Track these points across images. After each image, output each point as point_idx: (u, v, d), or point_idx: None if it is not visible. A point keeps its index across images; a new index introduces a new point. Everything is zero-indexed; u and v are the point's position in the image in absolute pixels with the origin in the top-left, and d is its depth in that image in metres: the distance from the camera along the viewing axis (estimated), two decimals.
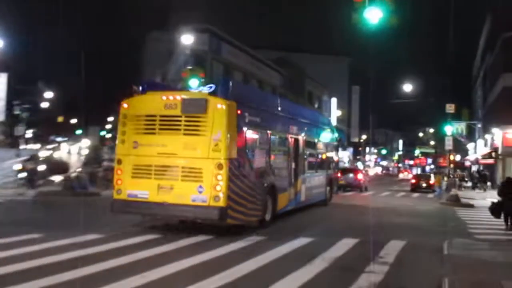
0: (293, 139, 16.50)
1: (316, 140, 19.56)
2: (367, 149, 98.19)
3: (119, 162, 12.66)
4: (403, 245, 11.13)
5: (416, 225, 15.57)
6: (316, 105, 67.80)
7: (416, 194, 34.44)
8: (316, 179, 19.18)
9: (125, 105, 12.82)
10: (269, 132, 14.50)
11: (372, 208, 19.92)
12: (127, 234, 11.41)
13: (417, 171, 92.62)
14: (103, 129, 79.26)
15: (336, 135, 23.20)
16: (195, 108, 12.06)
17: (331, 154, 21.93)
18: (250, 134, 13.19)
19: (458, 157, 67.74)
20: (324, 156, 20.57)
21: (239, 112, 12.37)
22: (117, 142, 12.92)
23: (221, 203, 11.63)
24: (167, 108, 12.31)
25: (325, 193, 20.50)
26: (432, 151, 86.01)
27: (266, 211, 13.82)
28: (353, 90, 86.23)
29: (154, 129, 12.42)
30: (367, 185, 36.58)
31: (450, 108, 29.77)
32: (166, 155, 12.20)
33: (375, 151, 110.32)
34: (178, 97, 12.34)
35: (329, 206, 20.12)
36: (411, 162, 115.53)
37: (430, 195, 33.50)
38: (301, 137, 17.33)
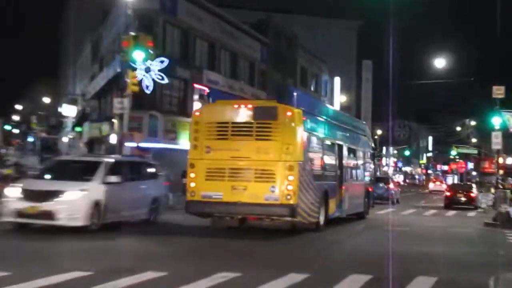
0: (338, 146, 22.57)
1: (356, 147, 25.53)
2: (384, 149, 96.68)
3: (192, 166, 18.07)
4: (433, 283, 11.20)
5: (451, 255, 15.80)
6: (312, 87, 67.66)
7: (451, 212, 35.05)
8: (356, 189, 24.95)
9: (197, 113, 18.64)
10: (322, 138, 20.71)
11: (391, 231, 20.42)
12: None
13: (453, 179, 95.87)
14: (8, 121, 77.77)
15: (372, 143, 29.55)
16: (266, 115, 17.71)
17: (369, 162, 28.20)
18: (311, 140, 19.31)
19: (510, 160, 67.82)
20: (363, 165, 26.65)
21: (304, 118, 18.11)
22: (189, 147, 18.44)
23: (292, 201, 17.22)
24: (239, 115, 17.95)
25: (363, 204, 26.29)
26: (474, 151, 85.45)
27: (320, 214, 19.44)
28: (363, 66, 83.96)
29: (226, 135, 17.98)
30: (399, 197, 43.31)
31: (498, 91, 29.77)
32: (239, 158, 17.72)
33: (395, 152, 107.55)
34: (250, 106, 18.12)
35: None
36: (445, 168, 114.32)
37: (471, 213, 33.99)
38: (345, 144, 23.39)
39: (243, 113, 18.05)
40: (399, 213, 31.92)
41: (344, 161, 23.29)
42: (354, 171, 25.19)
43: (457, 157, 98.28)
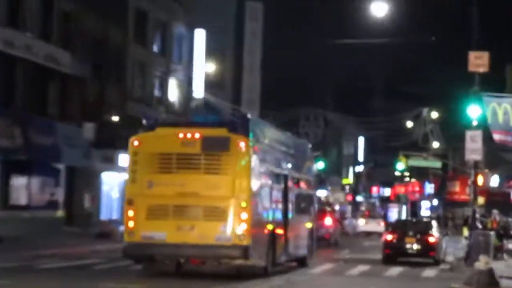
0: (284, 176, 21.06)
1: (300, 175, 23.40)
2: None
3: (131, 202, 17.34)
4: None
5: None
6: (155, 45, 45.76)
7: (394, 270, 23.11)
8: (300, 227, 22.84)
9: (135, 142, 17.67)
10: (271, 169, 19.84)
11: None
12: None
13: (399, 213, 64.11)
14: None
15: (314, 166, 28.26)
16: (217, 147, 17.28)
17: (312, 192, 25.78)
18: (262, 173, 18.65)
19: (495, 180, 52.81)
20: (307, 196, 24.14)
21: (257, 150, 17.96)
22: (127, 181, 18.19)
23: (246, 241, 16.90)
24: (185, 145, 17.36)
25: (306, 245, 23.11)
26: (437, 165, 59.78)
27: (268, 258, 18.52)
28: (247, 11, 56.20)
29: (171, 167, 17.44)
30: (338, 237, 36.86)
31: (478, 61, 21.25)
32: (185, 194, 17.19)
33: None
34: (197, 135, 17.27)
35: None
36: (386, 192, 78.65)
37: (429, 272, 23.05)
38: (290, 173, 21.73)
39: (190, 143, 17.32)
40: (307, 272, 21.82)
41: (290, 194, 21.48)
42: (299, 205, 22.93)
43: (406, 173, 70.53)
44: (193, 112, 45.68)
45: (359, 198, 77.28)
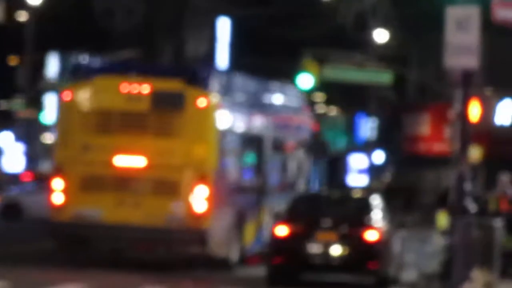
0: (262, 140, 19.30)
1: (287, 137, 21.25)
2: None
3: (60, 170, 16.00)
4: None
5: None
6: None
7: None
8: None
9: (67, 95, 16.13)
10: (243, 131, 18.26)
11: None
12: None
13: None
14: None
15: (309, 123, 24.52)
16: (170, 104, 15.74)
17: (304, 159, 22.73)
18: (228, 136, 17.18)
19: (504, 112, 36.66)
20: (298, 167, 22.03)
21: (220, 106, 16.36)
22: (55, 143, 17.36)
23: (205, 224, 15.52)
24: (130, 101, 15.90)
25: None
26: (384, 78, 41.09)
27: (232, 247, 16.99)
28: None
29: (110, 128, 15.97)
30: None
31: None
32: (128, 162, 15.79)
33: None
34: (146, 89, 15.78)
35: None
36: None
37: None
38: (268, 134, 19.69)
39: (136, 98, 15.85)
40: None
41: (268, 163, 19.63)
42: (283, 178, 20.94)
43: (318, 95, 48.84)
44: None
45: None
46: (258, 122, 19.33)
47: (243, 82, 19.84)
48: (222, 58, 42.21)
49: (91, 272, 15.40)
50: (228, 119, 16.88)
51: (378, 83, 36.89)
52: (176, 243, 15.54)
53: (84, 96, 15.85)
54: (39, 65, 45.79)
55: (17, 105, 44.96)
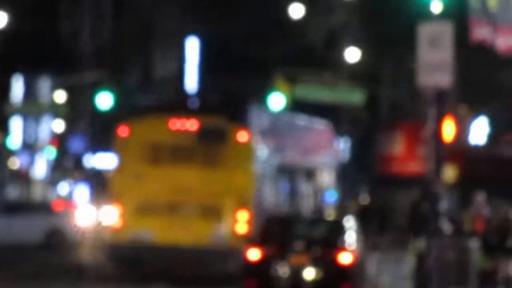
0: (293, 169, 21.33)
1: (315, 166, 23.65)
2: None
3: (118, 196, 17.70)
4: None
5: None
6: None
7: None
8: None
9: (123, 131, 18.04)
10: (277, 161, 20.07)
11: None
12: None
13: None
14: None
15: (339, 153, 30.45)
16: (214, 138, 17.71)
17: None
18: (267, 167, 19.16)
19: (480, 130, 36.45)
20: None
21: (259, 141, 18.41)
22: (114, 172, 19.04)
23: (245, 244, 15.93)
24: (178, 135, 17.86)
25: None
26: (355, 97, 39.93)
27: None
28: None
29: (161, 159, 17.86)
30: None
31: None
32: (177, 189, 17.48)
33: None
34: (192, 125, 17.82)
35: None
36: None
37: None
38: (301, 164, 22.22)
39: (183, 134, 17.80)
40: None
41: (301, 190, 21.75)
42: (314, 203, 23.01)
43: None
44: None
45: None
46: (290, 152, 21.41)
47: (277, 117, 22.90)
48: (191, 78, 41.53)
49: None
50: (264, 151, 18.98)
51: (350, 102, 35.92)
52: (220, 261, 17.07)
53: (138, 132, 17.95)
54: (4, 89, 44.64)
55: None
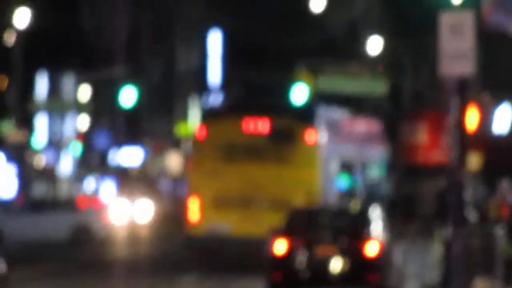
0: (353, 165, 23.09)
1: (371, 160, 25.73)
2: None
3: (195, 192, 19.10)
4: None
5: None
6: None
7: None
8: None
9: (201, 131, 19.83)
10: (341, 159, 21.82)
11: None
12: None
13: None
14: None
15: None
16: (283, 138, 19.06)
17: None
18: (330, 164, 20.69)
19: (503, 118, 34.58)
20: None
21: (324, 140, 19.74)
22: (190, 170, 20.51)
23: None
24: (250, 135, 19.32)
25: None
26: (377, 88, 40.06)
27: None
28: None
29: (235, 157, 19.22)
30: None
31: None
32: (250, 185, 18.88)
33: None
34: (263, 125, 19.30)
35: None
36: None
37: None
38: (360, 161, 24.19)
39: (255, 133, 19.13)
40: None
41: (358, 183, 23.46)
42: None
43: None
44: None
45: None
46: (350, 149, 22.80)
47: (339, 116, 23.89)
48: (214, 71, 41.81)
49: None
50: (328, 149, 20.31)
51: (372, 92, 36.05)
52: None
53: (213, 132, 19.36)
54: (28, 86, 44.66)
55: (6, 126, 44.02)
